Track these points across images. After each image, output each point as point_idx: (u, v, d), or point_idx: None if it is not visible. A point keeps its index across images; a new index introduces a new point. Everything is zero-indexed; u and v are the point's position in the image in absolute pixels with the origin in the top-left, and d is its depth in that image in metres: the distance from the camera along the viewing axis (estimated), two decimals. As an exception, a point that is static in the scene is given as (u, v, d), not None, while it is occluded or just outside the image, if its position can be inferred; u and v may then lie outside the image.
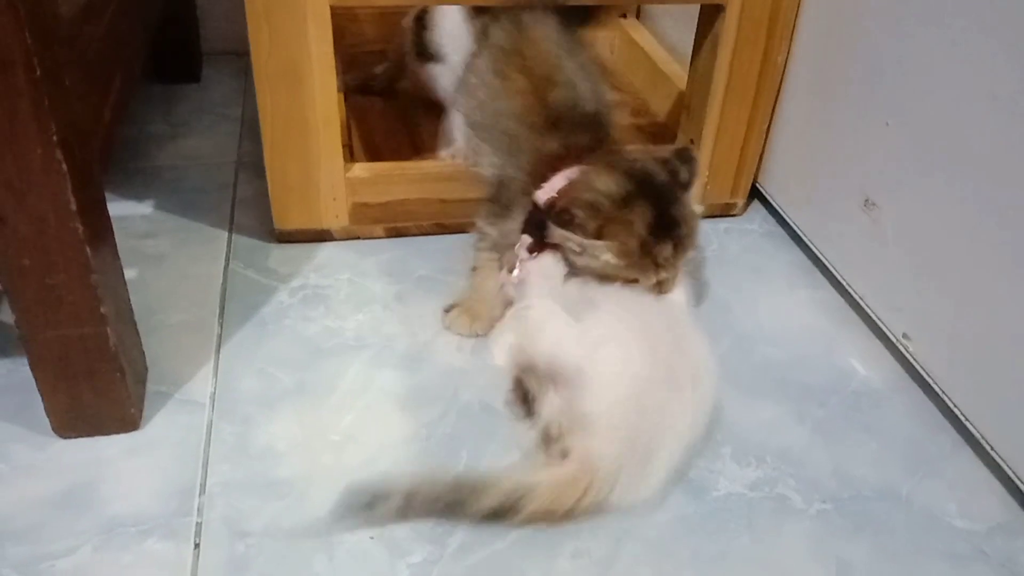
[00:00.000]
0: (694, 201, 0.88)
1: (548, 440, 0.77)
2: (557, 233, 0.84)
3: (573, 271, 0.87)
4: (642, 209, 0.83)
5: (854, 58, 0.97)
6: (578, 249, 0.84)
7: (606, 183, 0.84)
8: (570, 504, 0.72)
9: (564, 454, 0.75)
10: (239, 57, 1.58)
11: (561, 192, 0.86)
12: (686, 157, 0.88)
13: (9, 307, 0.72)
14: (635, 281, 0.86)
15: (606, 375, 0.77)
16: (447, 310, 0.96)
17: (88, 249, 0.70)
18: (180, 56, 1.49)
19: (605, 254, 0.83)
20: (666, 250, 0.84)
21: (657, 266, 0.84)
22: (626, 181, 0.84)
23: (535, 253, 0.89)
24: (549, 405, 0.78)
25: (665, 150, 0.92)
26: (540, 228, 0.86)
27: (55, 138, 0.64)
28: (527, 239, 0.89)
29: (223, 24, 1.58)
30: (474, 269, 0.96)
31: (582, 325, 0.80)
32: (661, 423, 0.76)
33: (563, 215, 0.83)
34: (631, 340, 0.79)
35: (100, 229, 0.74)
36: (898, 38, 0.90)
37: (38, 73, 0.62)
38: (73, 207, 0.68)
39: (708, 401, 0.80)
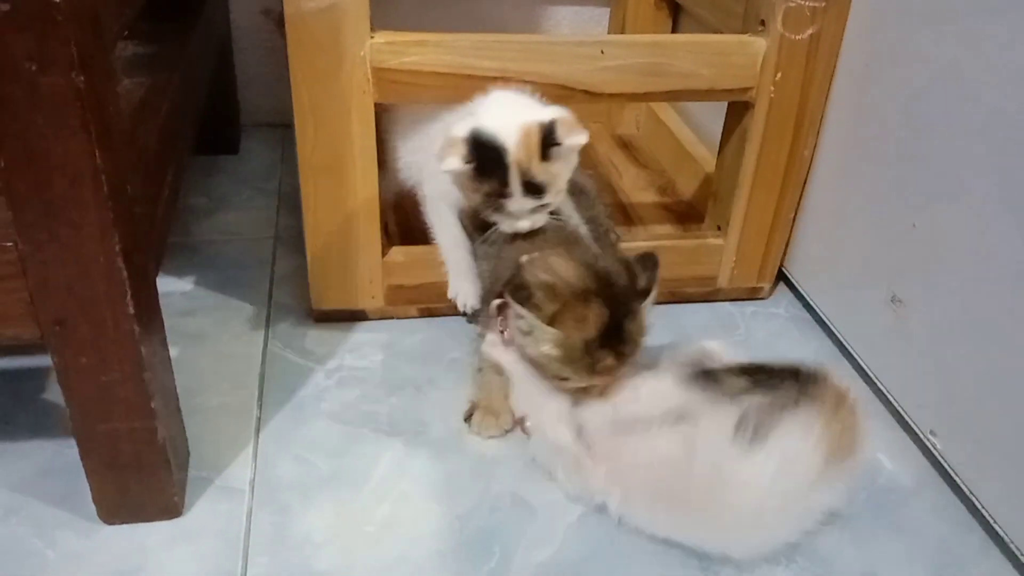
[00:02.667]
0: (647, 309, 0.86)
1: None
2: (512, 309, 0.83)
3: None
4: (598, 310, 0.82)
5: (880, 157, 1.00)
6: (526, 330, 0.83)
7: (568, 270, 0.84)
8: None
9: None
10: (276, 129, 1.63)
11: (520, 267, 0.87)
12: (649, 264, 0.86)
13: (63, 400, 0.75)
14: (564, 380, 0.85)
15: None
16: (467, 416, 0.97)
17: (142, 348, 0.73)
18: (219, 129, 1.53)
19: (547, 343, 0.82)
20: (607, 359, 0.83)
21: (593, 372, 0.84)
22: (588, 276, 0.83)
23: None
24: None
25: (630, 252, 0.90)
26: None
27: (118, 247, 0.67)
28: (496, 301, 0.91)
29: (261, 96, 1.64)
30: (480, 370, 0.98)
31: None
32: None
33: (521, 291, 0.82)
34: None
35: (153, 328, 0.77)
36: (924, 143, 0.92)
37: (105, 189, 0.65)
38: (131, 310, 0.70)
39: None
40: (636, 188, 1.45)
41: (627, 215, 1.36)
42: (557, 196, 0.93)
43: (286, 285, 1.19)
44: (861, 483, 0.92)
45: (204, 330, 1.09)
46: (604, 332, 0.82)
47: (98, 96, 0.64)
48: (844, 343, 1.10)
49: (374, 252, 1.07)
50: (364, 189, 1.02)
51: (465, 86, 0.97)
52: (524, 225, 0.93)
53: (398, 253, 1.10)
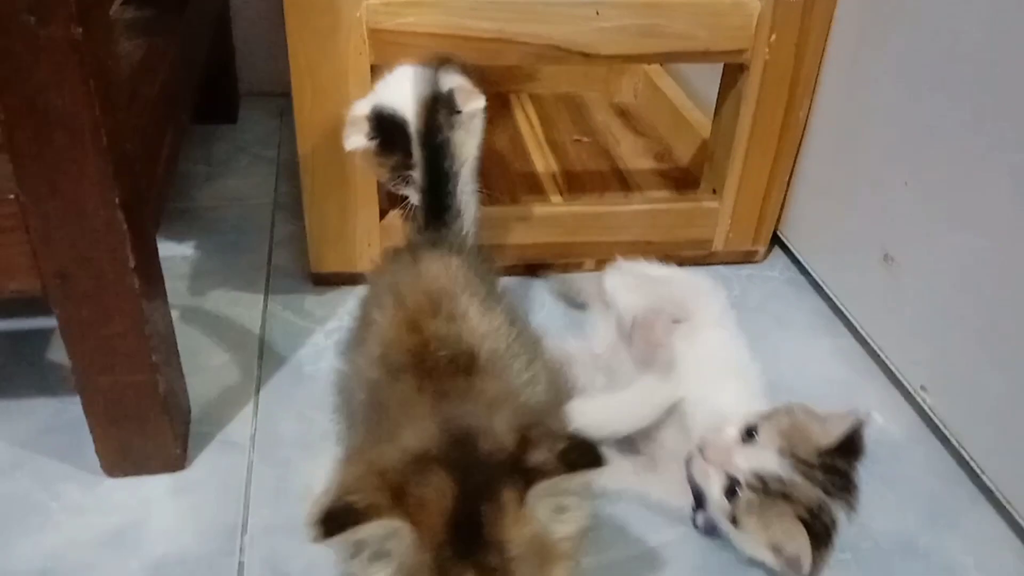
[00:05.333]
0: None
1: None
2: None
3: None
4: (440, 485, 0.50)
5: (873, 118, 1.00)
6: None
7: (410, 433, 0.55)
8: None
9: None
10: (274, 98, 1.63)
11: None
12: (572, 445, 0.51)
13: (66, 353, 0.76)
14: None
15: None
16: None
17: (143, 302, 0.74)
18: (218, 98, 1.53)
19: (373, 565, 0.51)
20: None
21: None
22: (435, 436, 0.54)
23: None
24: None
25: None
26: None
27: (117, 201, 0.68)
28: None
29: (259, 65, 1.63)
30: None
31: None
32: None
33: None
34: None
35: (153, 282, 0.78)
36: (915, 103, 0.93)
37: (105, 142, 0.66)
38: (131, 264, 0.72)
39: None
40: (634, 155, 1.45)
41: (624, 182, 1.36)
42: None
43: (285, 249, 1.20)
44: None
45: (205, 292, 1.10)
46: (452, 524, 0.49)
47: (97, 49, 0.65)
48: (838, 304, 1.11)
49: (372, 215, 1.08)
50: (361, 151, 1.02)
51: (461, 47, 0.97)
52: None
53: (395, 216, 1.10)
